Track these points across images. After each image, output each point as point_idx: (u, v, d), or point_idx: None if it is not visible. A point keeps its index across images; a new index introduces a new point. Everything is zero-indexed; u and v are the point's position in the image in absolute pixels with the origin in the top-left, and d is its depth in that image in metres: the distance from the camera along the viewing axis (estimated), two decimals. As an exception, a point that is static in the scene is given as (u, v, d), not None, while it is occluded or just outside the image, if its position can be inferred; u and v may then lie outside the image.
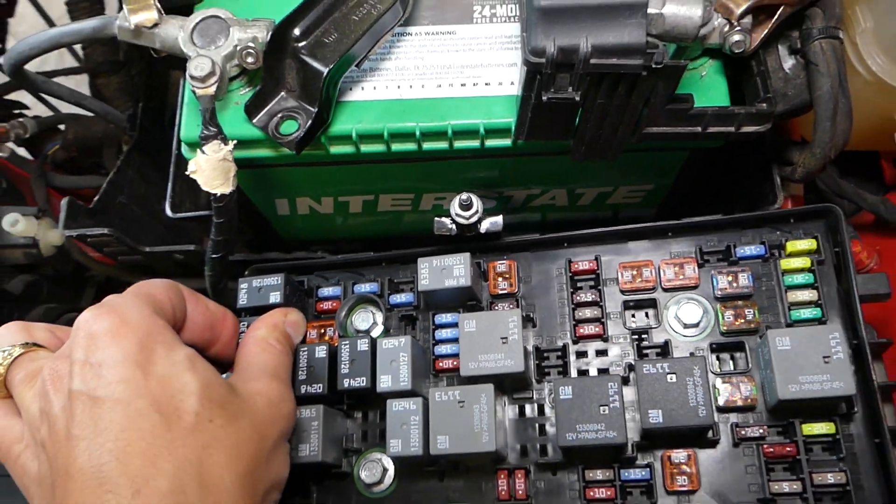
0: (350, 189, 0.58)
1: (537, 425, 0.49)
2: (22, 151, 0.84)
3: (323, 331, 0.54)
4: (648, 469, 0.46)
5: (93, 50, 0.79)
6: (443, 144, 0.51)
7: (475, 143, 0.50)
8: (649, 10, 0.41)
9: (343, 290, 0.55)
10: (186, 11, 0.50)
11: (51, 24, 0.96)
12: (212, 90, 0.46)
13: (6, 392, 0.43)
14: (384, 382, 0.48)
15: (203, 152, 0.46)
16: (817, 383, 0.43)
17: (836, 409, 0.45)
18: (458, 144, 0.51)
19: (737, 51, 0.46)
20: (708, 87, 0.49)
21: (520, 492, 0.48)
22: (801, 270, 0.49)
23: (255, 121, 0.49)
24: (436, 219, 0.52)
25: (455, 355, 0.50)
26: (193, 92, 0.47)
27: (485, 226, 0.52)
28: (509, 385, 0.49)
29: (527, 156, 0.53)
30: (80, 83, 0.92)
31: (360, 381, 0.49)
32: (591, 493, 0.46)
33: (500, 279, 0.53)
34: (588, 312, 0.51)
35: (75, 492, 0.37)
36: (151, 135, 0.72)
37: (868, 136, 0.63)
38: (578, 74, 0.41)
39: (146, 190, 0.68)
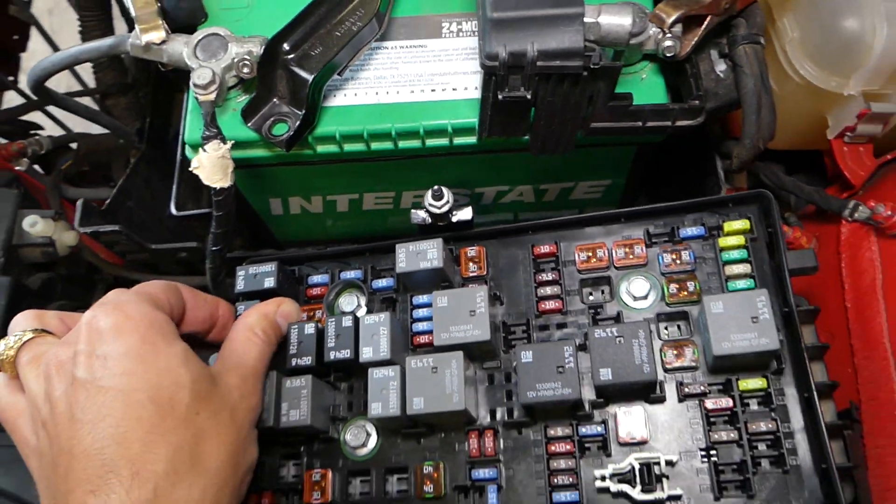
0: (337, 187, 0.65)
1: (505, 391, 0.55)
2: (36, 167, 0.90)
3: (313, 313, 0.60)
4: (603, 424, 0.51)
5: (104, 74, 0.87)
6: (416, 143, 0.57)
7: (445, 141, 0.57)
8: (586, 19, 0.47)
9: (331, 277, 0.61)
10: (190, 30, 0.57)
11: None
12: (212, 96, 0.53)
13: (15, 372, 0.47)
14: (366, 353, 0.54)
15: (204, 150, 0.53)
16: (746, 340, 0.48)
17: (767, 365, 0.51)
18: (430, 143, 0.57)
19: (669, 55, 0.53)
20: (648, 88, 0.56)
21: (489, 449, 0.53)
22: (737, 247, 0.55)
23: (250, 124, 0.55)
24: (412, 210, 0.58)
25: (430, 331, 0.55)
26: (196, 98, 0.54)
27: (457, 216, 0.58)
28: (478, 354, 0.55)
29: (491, 152, 0.59)
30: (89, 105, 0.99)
31: (345, 353, 0.54)
32: (553, 448, 0.52)
33: (470, 263, 0.58)
34: (549, 290, 0.56)
35: (78, 470, 0.41)
36: (157, 148, 0.79)
37: (807, 135, 0.69)
38: (528, 75, 0.48)
39: (152, 196, 0.75)
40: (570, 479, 0.50)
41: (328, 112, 0.57)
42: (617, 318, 0.55)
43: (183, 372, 0.44)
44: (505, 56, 0.47)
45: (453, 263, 0.59)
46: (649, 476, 0.49)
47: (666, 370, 0.52)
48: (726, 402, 0.50)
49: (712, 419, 0.51)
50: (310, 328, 0.56)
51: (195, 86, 0.53)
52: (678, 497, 0.49)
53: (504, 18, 0.47)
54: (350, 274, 0.61)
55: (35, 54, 1.09)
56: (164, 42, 0.55)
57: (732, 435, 0.50)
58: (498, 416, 0.54)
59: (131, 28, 0.56)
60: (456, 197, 0.57)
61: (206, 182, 0.53)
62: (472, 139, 0.57)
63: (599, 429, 0.51)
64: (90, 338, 0.43)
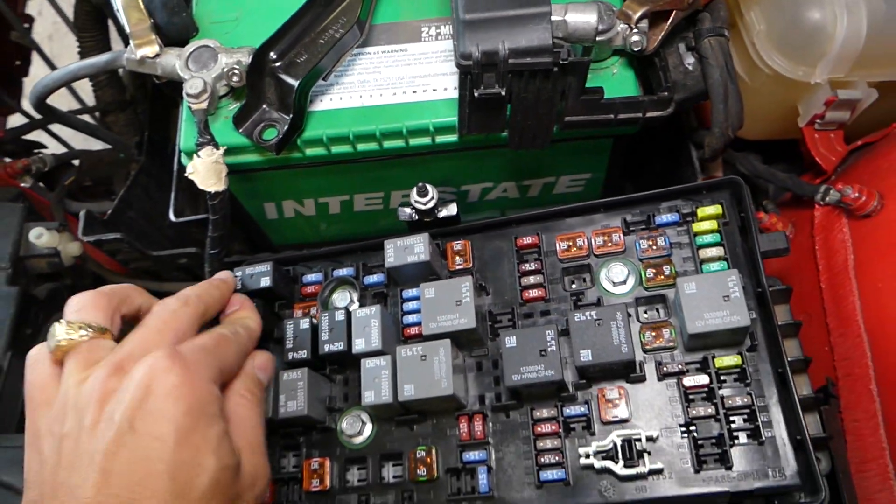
0: (327, 189, 0.67)
1: (493, 377, 0.57)
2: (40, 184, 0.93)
3: (308, 310, 0.63)
4: (587, 405, 0.54)
5: (103, 92, 0.90)
6: (400, 143, 0.60)
7: (427, 140, 0.60)
8: (553, 18, 0.50)
9: (324, 276, 0.63)
10: (182, 44, 0.60)
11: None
12: (204, 105, 0.56)
13: (61, 359, 0.45)
14: (358, 345, 0.56)
15: (199, 156, 0.56)
16: (719, 318, 0.50)
17: (741, 342, 0.53)
18: (414, 142, 0.60)
19: (636, 49, 0.55)
20: (619, 82, 0.59)
21: (479, 433, 0.55)
22: (710, 232, 0.57)
23: (241, 130, 0.58)
24: (399, 208, 0.61)
25: (420, 323, 0.58)
26: (189, 108, 0.56)
27: (443, 212, 0.61)
28: (466, 342, 0.57)
29: (473, 149, 0.62)
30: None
31: (338, 346, 0.57)
32: (539, 429, 0.54)
33: (457, 257, 0.61)
34: (532, 279, 0.59)
35: None
36: (156, 160, 0.82)
37: (780, 125, 0.72)
38: (501, 73, 0.51)
39: (152, 206, 0.77)
40: (557, 458, 0.52)
41: (315, 116, 0.60)
42: (597, 304, 0.57)
43: (210, 458, 0.42)
44: (478, 55, 0.50)
45: (440, 257, 0.61)
46: (631, 452, 0.51)
47: (645, 351, 0.54)
48: (703, 378, 0.52)
49: (691, 396, 0.53)
50: (304, 323, 0.58)
51: (188, 95, 0.56)
52: (659, 471, 0.50)
53: (475, 19, 0.49)
54: (342, 271, 0.63)
55: (37, 79, 1.13)
56: (157, 56, 0.58)
57: (710, 410, 0.51)
58: (486, 401, 0.56)
59: (126, 45, 0.59)
60: (442, 195, 0.60)
61: (201, 186, 0.56)
62: (453, 137, 0.60)
63: (583, 409, 0.53)
64: (144, 385, 0.41)
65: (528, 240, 0.60)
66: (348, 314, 0.57)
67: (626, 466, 0.51)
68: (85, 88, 0.92)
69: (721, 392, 0.52)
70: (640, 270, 0.57)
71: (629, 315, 0.55)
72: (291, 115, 0.56)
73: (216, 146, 0.56)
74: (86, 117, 0.91)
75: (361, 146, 0.60)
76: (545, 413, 0.54)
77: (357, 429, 0.57)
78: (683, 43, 0.59)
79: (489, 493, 0.52)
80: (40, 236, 0.70)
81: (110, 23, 0.90)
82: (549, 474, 0.52)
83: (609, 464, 0.51)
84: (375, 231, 0.76)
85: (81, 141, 0.92)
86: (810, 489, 0.49)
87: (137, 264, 0.72)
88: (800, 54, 0.63)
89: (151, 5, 0.59)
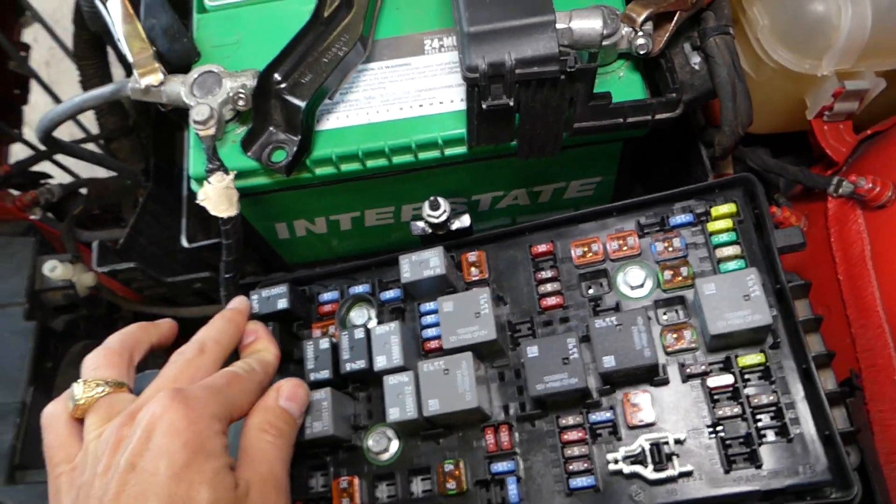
0: (338, 207, 0.67)
1: (516, 387, 0.57)
2: (49, 215, 0.94)
3: (326, 329, 0.63)
4: (612, 410, 0.53)
5: (106, 119, 0.90)
6: (409, 157, 0.60)
7: (436, 154, 0.60)
8: (558, 25, 0.50)
9: (340, 294, 0.63)
10: (185, 70, 0.60)
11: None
12: (212, 131, 0.56)
13: (82, 415, 0.47)
14: (380, 362, 0.56)
15: (209, 183, 0.56)
16: (740, 317, 0.50)
17: (763, 341, 0.53)
18: (423, 156, 0.60)
19: (642, 52, 0.55)
20: (626, 85, 0.58)
21: (505, 443, 0.55)
22: (726, 230, 0.57)
23: (249, 153, 0.58)
24: (412, 222, 0.60)
25: (439, 336, 0.57)
26: (197, 134, 0.56)
27: (455, 224, 0.61)
28: (487, 353, 0.57)
29: (482, 160, 0.62)
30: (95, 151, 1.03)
31: (360, 364, 0.57)
32: (566, 437, 0.54)
33: (472, 268, 0.61)
34: (549, 287, 0.58)
35: None
36: (163, 185, 0.82)
37: (788, 118, 0.72)
38: (508, 83, 0.51)
39: (162, 232, 0.77)
40: (585, 465, 0.52)
41: (323, 135, 0.60)
42: (616, 308, 0.57)
43: (203, 490, 0.42)
44: (485, 67, 0.50)
45: (455, 269, 0.61)
46: (660, 455, 0.51)
47: (667, 353, 0.54)
48: (727, 378, 0.52)
49: (715, 396, 0.53)
50: (325, 343, 0.58)
51: (195, 122, 0.56)
52: (689, 473, 0.50)
53: (480, 31, 0.49)
54: (358, 288, 0.63)
55: (36, 106, 1.13)
56: (161, 84, 0.58)
57: (736, 410, 0.51)
58: (511, 411, 0.56)
59: (128, 72, 0.59)
60: (453, 206, 0.60)
61: (213, 213, 0.56)
62: (462, 149, 0.59)
63: (609, 415, 0.53)
64: (148, 427, 0.43)
65: (542, 247, 0.60)
66: (368, 332, 0.57)
67: (655, 470, 0.51)
68: (88, 117, 0.92)
69: (746, 391, 0.52)
70: (658, 273, 0.57)
71: (649, 318, 0.54)
72: (300, 137, 0.56)
73: (226, 171, 0.56)
74: (90, 145, 0.91)
75: (371, 163, 0.60)
76: (571, 420, 0.54)
77: (384, 445, 0.57)
78: (689, 43, 0.59)
79: (520, 503, 0.52)
80: (54, 269, 0.70)
81: (109, 48, 0.90)
82: (578, 482, 0.52)
83: (638, 468, 0.51)
84: (387, 245, 0.76)
85: (86, 168, 0.92)
86: (842, 484, 0.48)
87: (152, 291, 0.72)
88: (805, 47, 0.62)
89: (152, 33, 0.59)
